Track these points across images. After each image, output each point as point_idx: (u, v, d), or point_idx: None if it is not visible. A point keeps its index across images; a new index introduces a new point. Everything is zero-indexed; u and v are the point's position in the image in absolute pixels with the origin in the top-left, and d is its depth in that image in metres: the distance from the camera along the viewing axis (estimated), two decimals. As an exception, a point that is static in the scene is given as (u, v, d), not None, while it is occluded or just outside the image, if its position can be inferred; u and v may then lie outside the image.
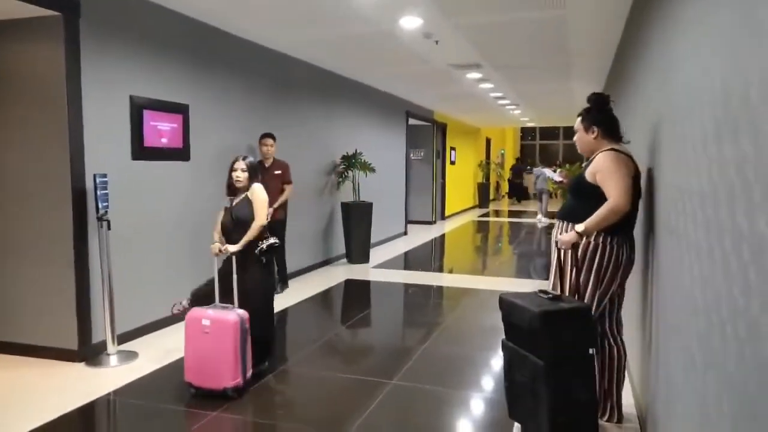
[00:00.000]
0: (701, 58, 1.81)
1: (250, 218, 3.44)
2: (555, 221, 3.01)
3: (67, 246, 3.78)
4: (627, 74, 4.62)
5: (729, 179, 1.41)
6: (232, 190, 3.58)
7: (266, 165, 5.60)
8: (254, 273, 3.48)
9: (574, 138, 3.03)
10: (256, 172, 3.60)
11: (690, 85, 1.97)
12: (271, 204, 5.57)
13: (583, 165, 3.12)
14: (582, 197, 2.87)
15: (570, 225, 2.84)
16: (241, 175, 3.51)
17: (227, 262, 3.44)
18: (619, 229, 2.74)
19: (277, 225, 5.42)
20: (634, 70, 4.06)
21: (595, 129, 2.89)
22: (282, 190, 5.68)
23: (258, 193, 3.51)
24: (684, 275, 1.90)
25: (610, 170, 2.71)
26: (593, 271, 2.76)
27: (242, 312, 3.26)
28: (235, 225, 3.47)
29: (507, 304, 2.76)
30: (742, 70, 1.34)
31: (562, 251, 2.85)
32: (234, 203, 3.57)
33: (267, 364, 3.63)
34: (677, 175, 2.10)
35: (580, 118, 2.97)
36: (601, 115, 2.92)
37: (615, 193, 2.65)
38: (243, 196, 3.55)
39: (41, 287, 3.86)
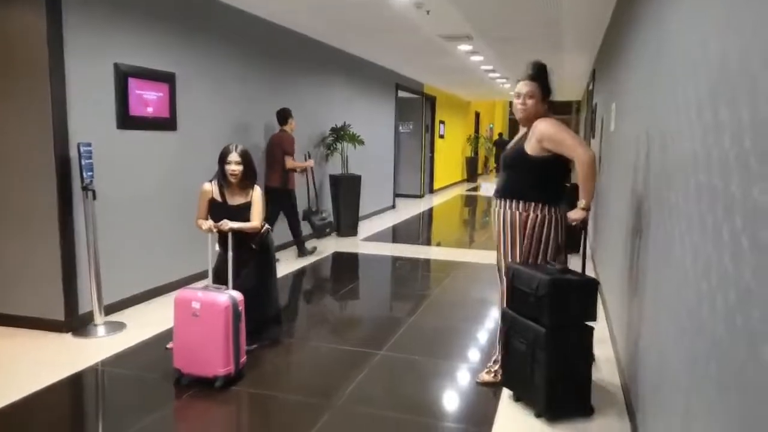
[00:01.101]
0: (697, 25, 1.79)
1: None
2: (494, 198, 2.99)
3: (51, 216, 3.72)
4: (620, 44, 4.59)
5: (723, 148, 1.40)
6: (226, 181, 3.31)
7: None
8: (256, 260, 3.46)
9: (521, 102, 2.85)
10: (251, 162, 3.35)
11: (684, 51, 1.96)
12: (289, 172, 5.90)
13: (517, 138, 3.05)
14: (523, 171, 2.87)
15: (513, 202, 2.86)
16: (236, 169, 3.25)
17: (225, 251, 3.29)
18: (557, 198, 2.83)
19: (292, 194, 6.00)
20: (627, 39, 4.03)
21: (548, 100, 2.88)
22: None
23: (260, 198, 3.38)
24: (674, 245, 1.91)
25: (559, 132, 2.75)
26: (542, 242, 2.85)
27: (236, 294, 3.04)
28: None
29: (513, 270, 2.82)
30: (741, 35, 1.33)
31: (505, 226, 2.90)
32: (230, 203, 3.32)
33: (261, 343, 3.55)
34: (670, 144, 2.10)
35: (535, 84, 2.84)
36: (550, 85, 2.90)
37: (578, 149, 2.70)
38: (242, 196, 3.34)
39: (27, 258, 3.81)
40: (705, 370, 1.44)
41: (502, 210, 2.91)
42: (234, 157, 3.27)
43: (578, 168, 2.70)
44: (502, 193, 2.93)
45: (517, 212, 2.85)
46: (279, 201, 5.86)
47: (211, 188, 3.35)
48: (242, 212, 3.33)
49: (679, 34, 2.11)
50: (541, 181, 2.84)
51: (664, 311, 2.05)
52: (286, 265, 5.78)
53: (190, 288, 3.15)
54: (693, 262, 1.64)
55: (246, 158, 3.31)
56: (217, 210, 3.32)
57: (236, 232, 3.27)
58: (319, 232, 6.50)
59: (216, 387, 2.96)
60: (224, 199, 3.34)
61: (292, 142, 5.89)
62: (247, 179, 3.35)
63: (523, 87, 2.86)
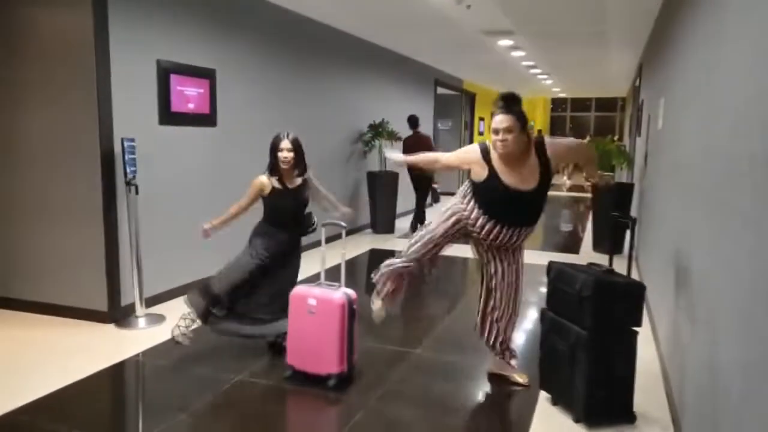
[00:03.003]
0: (761, 8, 1.68)
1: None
2: (505, 227, 2.83)
3: (96, 210, 3.82)
4: (671, 34, 4.41)
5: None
6: (278, 171, 3.31)
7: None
8: (299, 254, 3.55)
9: (500, 138, 2.68)
10: (301, 149, 3.37)
11: (746, 38, 1.84)
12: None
13: (520, 176, 2.80)
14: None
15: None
16: (288, 155, 3.26)
17: (278, 253, 3.36)
18: None
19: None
20: (679, 28, 3.86)
21: (526, 129, 2.77)
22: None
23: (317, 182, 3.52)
24: (727, 246, 1.80)
25: (552, 140, 2.92)
26: None
27: (350, 292, 3.03)
28: (299, 209, 3.40)
29: (556, 270, 2.77)
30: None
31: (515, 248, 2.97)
32: (290, 186, 3.36)
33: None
34: (723, 140, 1.99)
35: (511, 117, 2.67)
36: (525, 114, 2.77)
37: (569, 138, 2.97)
38: (300, 181, 3.38)
39: (72, 250, 3.92)
40: (760, 380, 1.34)
41: (520, 235, 2.89)
42: (286, 144, 3.29)
43: (582, 149, 3.28)
44: (533, 223, 2.91)
45: None
46: (424, 187, 7.88)
47: (269, 181, 3.32)
48: (302, 192, 3.40)
49: (740, 19, 1.99)
50: None
51: (714, 315, 1.95)
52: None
53: (305, 285, 3.11)
54: (748, 263, 1.54)
55: (297, 145, 3.34)
56: (282, 197, 3.33)
57: (299, 216, 3.41)
58: (436, 198, 9.37)
59: (329, 386, 2.92)
60: (284, 185, 3.36)
61: (431, 140, 7.98)
62: (298, 167, 3.37)
63: (501, 122, 2.68)
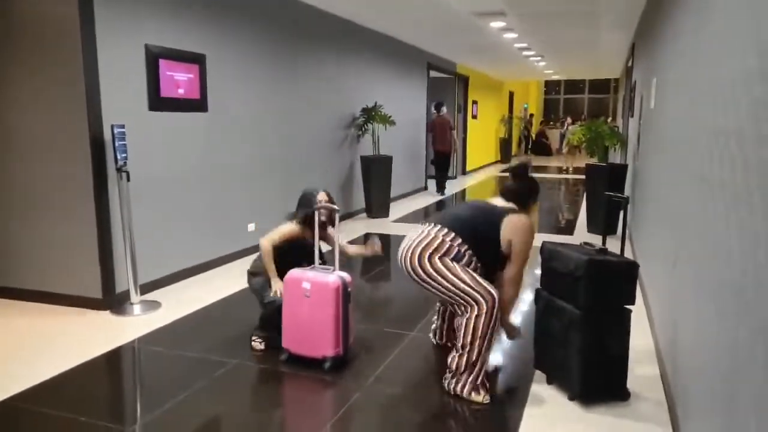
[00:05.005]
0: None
1: None
2: None
3: (87, 197, 3.79)
4: (662, 13, 4.39)
5: (776, 118, 1.31)
6: (310, 224, 3.16)
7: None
8: None
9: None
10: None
11: (731, 20, 1.84)
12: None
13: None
14: None
15: None
16: (324, 213, 3.18)
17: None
18: None
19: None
20: (669, 6, 3.84)
21: None
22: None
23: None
24: (718, 223, 1.81)
25: None
26: None
27: (344, 275, 3.01)
28: (305, 260, 3.20)
29: (549, 251, 2.77)
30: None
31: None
32: (308, 240, 3.20)
33: None
34: (714, 118, 1.99)
35: None
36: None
37: None
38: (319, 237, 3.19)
39: (64, 237, 3.91)
40: (750, 355, 1.36)
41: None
42: (323, 196, 3.24)
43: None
44: None
45: None
46: (446, 160, 10.04)
47: (300, 230, 3.21)
48: (310, 245, 3.24)
49: (725, 4, 1.98)
50: None
51: (705, 292, 1.96)
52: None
53: (299, 268, 3.05)
54: (739, 240, 1.55)
55: (330, 196, 3.29)
56: (296, 245, 3.21)
57: (297, 261, 3.19)
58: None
59: (325, 369, 2.94)
60: (305, 237, 3.23)
61: (451, 120, 10.07)
62: (331, 221, 3.26)
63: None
